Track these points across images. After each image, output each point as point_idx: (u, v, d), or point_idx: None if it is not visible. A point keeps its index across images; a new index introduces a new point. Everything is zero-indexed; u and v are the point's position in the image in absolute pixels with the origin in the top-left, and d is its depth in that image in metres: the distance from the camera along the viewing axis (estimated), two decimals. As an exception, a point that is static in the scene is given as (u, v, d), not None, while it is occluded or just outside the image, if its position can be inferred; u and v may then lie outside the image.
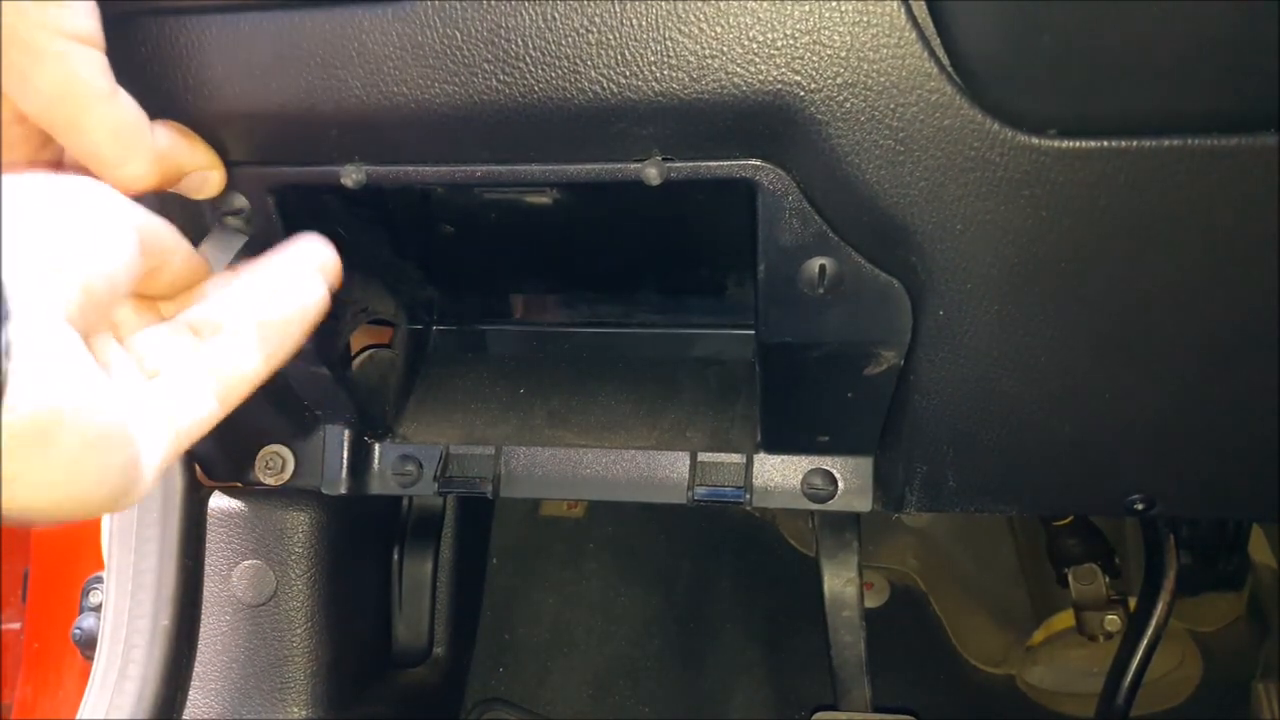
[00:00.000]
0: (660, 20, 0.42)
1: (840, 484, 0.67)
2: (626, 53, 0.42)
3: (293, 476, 0.73)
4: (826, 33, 0.41)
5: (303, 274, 0.43)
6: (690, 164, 0.47)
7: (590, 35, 0.42)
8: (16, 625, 1.23)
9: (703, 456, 0.68)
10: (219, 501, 0.79)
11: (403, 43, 0.43)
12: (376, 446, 0.73)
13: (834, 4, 0.41)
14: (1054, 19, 0.39)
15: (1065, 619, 1.20)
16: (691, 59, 0.42)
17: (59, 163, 0.44)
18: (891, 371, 0.56)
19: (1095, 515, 1.06)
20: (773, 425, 0.66)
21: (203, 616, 0.79)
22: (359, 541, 0.89)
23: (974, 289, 0.48)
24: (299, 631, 0.80)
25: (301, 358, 0.62)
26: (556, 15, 0.42)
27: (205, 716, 0.78)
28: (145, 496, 0.35)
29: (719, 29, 0.42)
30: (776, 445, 0.67)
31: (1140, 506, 0.59)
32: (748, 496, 0.67)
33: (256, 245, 0.48)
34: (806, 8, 0.41)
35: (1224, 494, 0.59)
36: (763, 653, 1.31)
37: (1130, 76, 0.40)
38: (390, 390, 0.73)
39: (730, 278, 0.73)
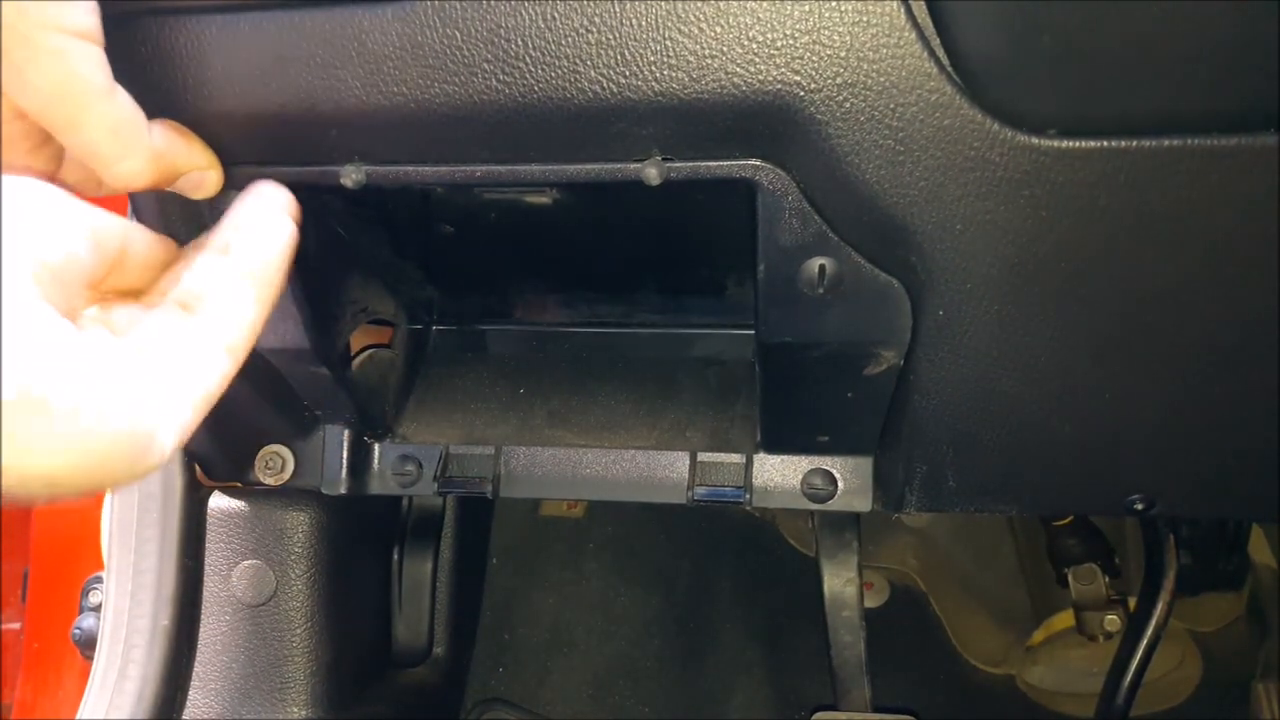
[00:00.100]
0: (660, 20, 0.42)
1: (840, 484, 0.67)
2: (626, 53, 0.42)
3: (293, 476, 0.73)
4: (826, 33, 0.41)
5: (269, 215, 0.44)
6: (690, 164, 0.47)
7: (590, 35, 0.42)
8: (16, 625, 1.23)
9: (702, 456, 0.68)
10: (219, 501, 0.79)
11: (402, 43, 0.43)
12: (376, 446, 0.73)
13: (834, 4, 0.41)
14: (1054, 19, 0.39)
15: (1065, 619, 1.20)
16: (691, 59, 0.42)
17: (59, 160, 0.44)
18: (891, 371, 0.56)
19: (1095, 515, 1.06)
20: (773, 425, 0.66)
21: (203, 616, 0.79)
22: (359, 541, 0.89)
23: (974, 289, 0.48)
24: (299, 631, 0.80)
25: (301, 358, 0.62)
26: (556, 15, 0.42)
27: (205, 716, 0.78)
28: (161, 464, 0.36)
29: (719, 29, 0.42)
30: (776, 445, 0.67)
31: (1140, 506, 0.59)
32: (748, 496, 0.67)
33: None
34: (806, 8, 0.41)
35: (1224, 494, 0.59)
36: (763, 653, 1.31)
37: (1130, 76, 0.40)
38: (390, 390, 0.73)
39: (730, 278, 0.73)
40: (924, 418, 0.56)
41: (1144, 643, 0.95)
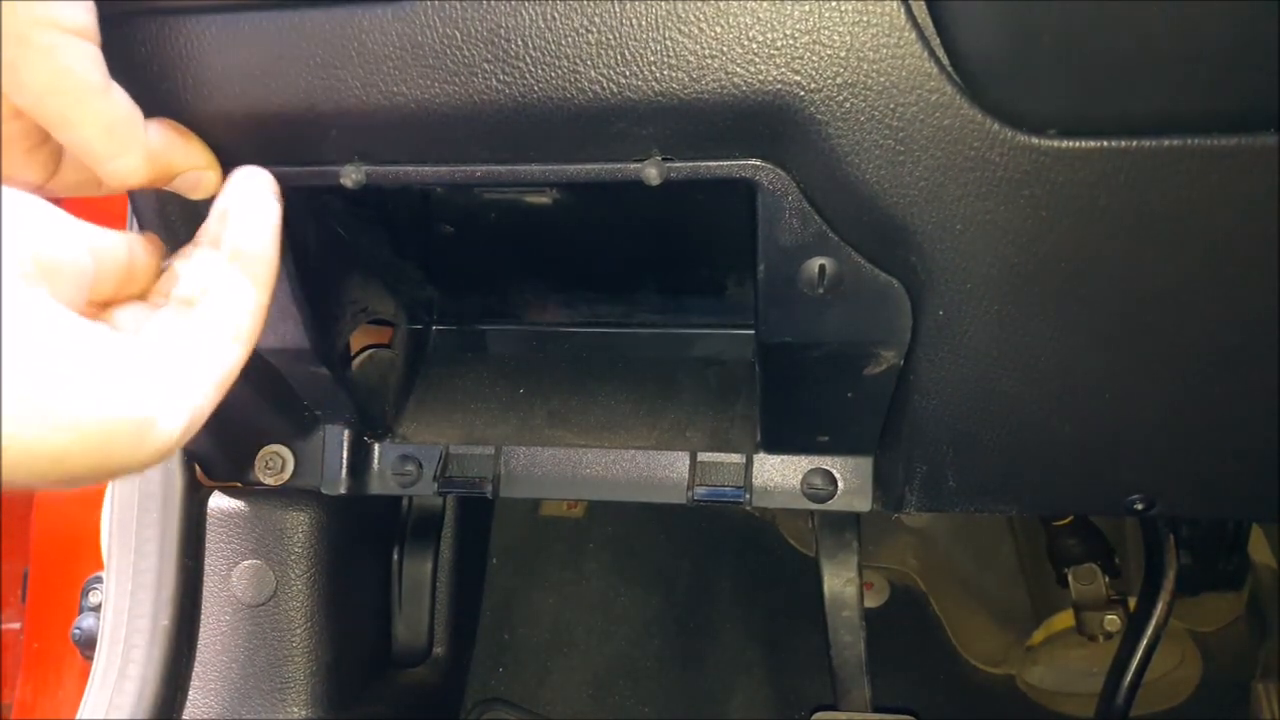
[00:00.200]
0: (660, 20, 0.42)
1: (840, 484, 0.67)
2: (626, 53, 0.42)
3: (292, 476, 0.73)
4: (826, 33, 0.41)
5: (252, 199, 0.44)
6: (690, 164, 0.47)
7: (590, 35, 0.42)
8: (16, 625, 1.23)
9: (702, 456, 0.68)
10: (219, 501, 0.79)
11: (402, 43, 0.43)
12: (376, 446, 0.73)
13: (834, 4, 0.41)
14: (1054, 19, 0.39)
15: (1065, 619, 1.20)
16: (691, 59, 0.42)
17: (58, 159, 0.44)
18: (891, 371, 0.56)
19: (1095, 515, 1.06)
20: (773, 425, 0.66)
21: (203, 616, 0.79)
22: (359, 541, 0.89)
23: (974, 289, 0.48)
24: (299, 631, 0.80)
25: (301, 358, 0.62)
26: (556, 15, 0.42)
27: (205, 716, 0.78)
28: (168, 449, 0.37)
29: (719, 29, 0.42)
30: (776, 445, 0.67)
31: (1140, 506, 0.59)
32: (747, 496, 0.67)
33: None
34: (806, 8, 0.41)
35: (1224, 494, 0.59)
36: (763, 653, 1.31)
37: (1130, 76, 0.40)
38: (390, 390, 0.73)
39: (730, 278, 0.74)
40: (924, 418, 0.56)
41: (1144, 643, 0.95)
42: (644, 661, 1.31)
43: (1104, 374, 0.52)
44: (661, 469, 0.69)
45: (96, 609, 0.87)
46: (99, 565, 0.81)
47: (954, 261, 0.47)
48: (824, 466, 0.67)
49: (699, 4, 0.41)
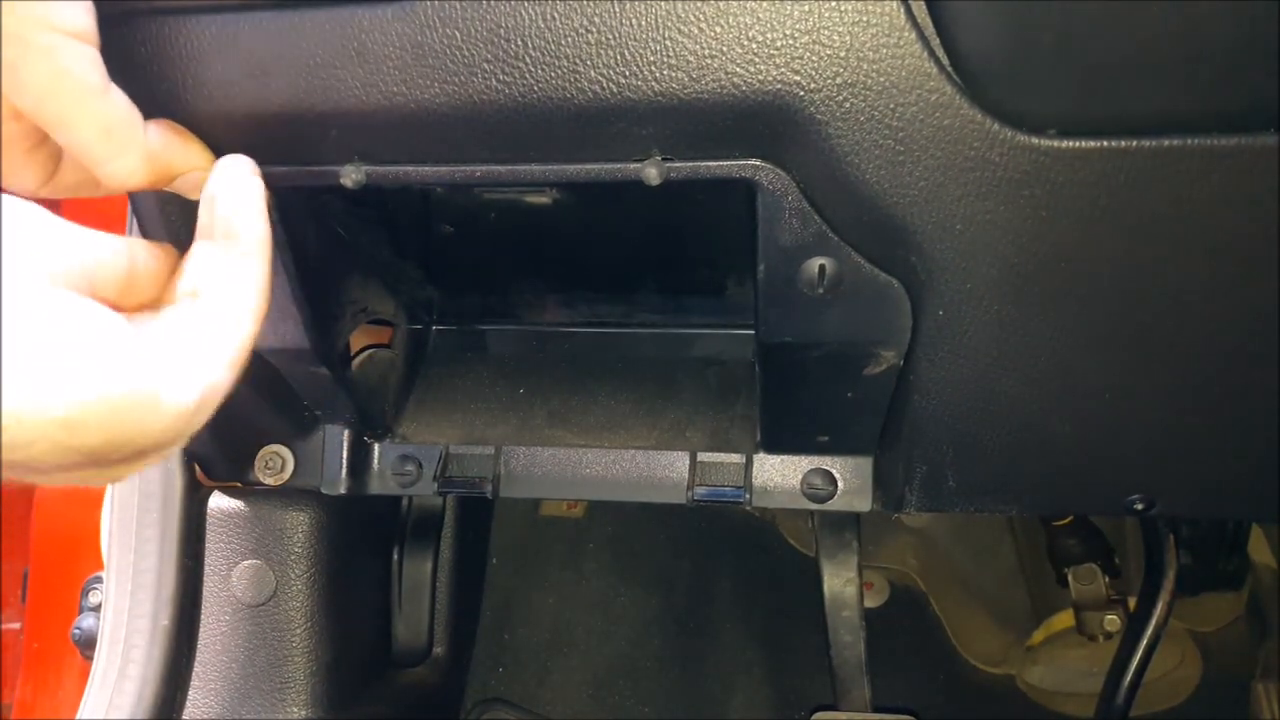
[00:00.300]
0: (660, 20, 0.42)
1: (840, 484, 0.67)
2: (626, 53, 0.42)
3: (292, 476, 0.73)
4: (826, 33, 0.41)
5: (235, 179, 0.44)
6: (690, 164, 0.47)
7: (590, 35, 0.42)
8: (16, 625, 1.23)
9: (702, 456, 0.68)
10: (219, 501, 0.79)
11: (402, 43, 0.43)
12: (376, 446, 0.73)
13: (834, 4, 0.41)
14: (1054, 19, 0.39)
15: (1065, 619, 1.20)
16: (691, 59, 0.42)
17: (57, 160, 0.44)
18: (891, 371, 0.56)
19: (1095, 515, 1.06)
20: (772, 425, 0.66)
21: (203, 616, 0.79)
22: (359, 541, 0.89)
23: (974, 289, 0.48)
24: (299, 631, 0.80)
25: (301, 358, 0.62)
26: (556, 15, 0.42)
27: (205, 716, 0.78)
28: (180, 421, 0.38)
29: (719, 29, 0.42)
30: (776, 445, 0.67)
31: (1140, 506, 0.59)
32: (747, 496, 0.67)
33: None
34: (806, 8, 0.41)
35: (1224, 494, 0.59)
36: (763, 653, 1.31)
37: (1130, 76, 0.40)
38: (390, 390, 0.73)
39: (730, 278, 0.74)
40: (924, 418, 0.56)
41: (1144, 643, 0.95)
42: (644, 661, 1.31)
43: (1104, 374, 0.52)
44: (661, 469, 0.69)
45: (96, 609, 0.87)
46: (99, 565, 0.81)
47: (954, 261, 0.47)
48: (824, 466, 0.67)
49: (699, 4, 0.41)
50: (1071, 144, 0.42)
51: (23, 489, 1.17)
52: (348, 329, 0.66)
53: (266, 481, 0.73)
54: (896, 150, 0.43)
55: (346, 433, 0.71)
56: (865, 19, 0.41)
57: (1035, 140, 0.42)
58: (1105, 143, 0.42)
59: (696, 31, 0.42)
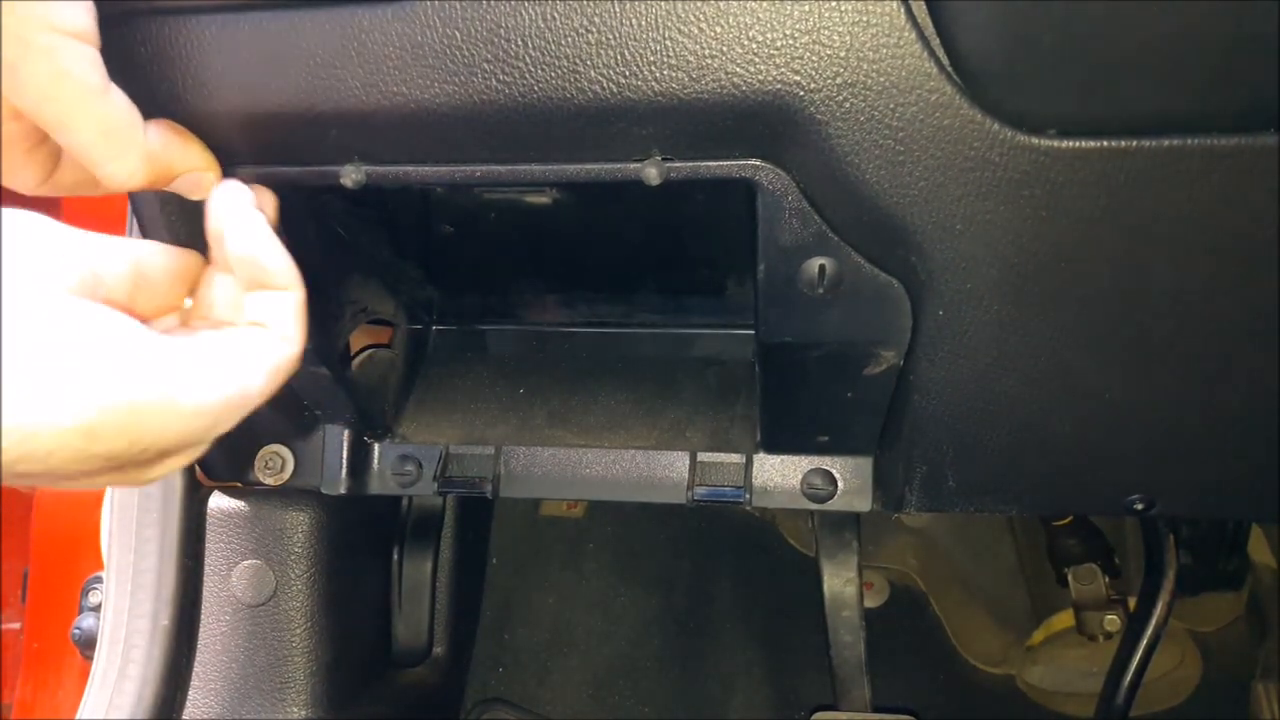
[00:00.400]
0: (660, 20, 0.42)
1: (840, 484, 0.67)
2: (626, 53, 0.42)
3: (292, 476, 0.73)
4: (826, 33, 0.41)
5: (238, 214, 0.45)
6: (690, 164, 0.47)
7: (590, 35, 0.42)
8: (16, 625, 1.22)
9: (702, 456, 0.68)
10: (219, 501, 0.79)
11: (402, 43, 0.43)
12: (376, 446, 0.73)
13: (834, 4, 0.41)
14: (1054, 19, 0.39)
15: (1065, 619, 1.20)
16: (691, 59, 0.42)
17: (56, 160, 0.44)
18: (891, 371, 0.56)
19: (1095, 515, 1.06)
20: (772, 425, 0.66)
21: (203, 616, 0.79)
22: (359, 541, 0.89)
23: (974, 289, 0.48)
24: (299, 631, 0.80)
25: (301, 358, 0.62)
26: (556, 15, 0.42)
27: (205, 716, 0.78)
28: (203, 422, 0.39)
29: (719, 29, 0.42)
30: (776, 445, 0.67)
31: (1140, 506, 0.59)
32: (747, 496, 0.67)
33: None
34: (806, 8, 0.41)
35: (1224, 494, 0.59)
36: (763, 653, 1.31)
37: (1130, 76, 0.40)
38: (390, 390, 0.73)
39: (730, 278, 0.73)
40: (924, 418, 0.56)
41: (1144, 643, 0.95)
42: (644, 661, 1.31)
43: (1104, 374, 0.52)
44: (661, 469, 0.69)
45: (96, 609, 0.87)
46: (99, 565, 0.81)
47: (954, 261, 0.47)
48: (824, 466, 0.67)
49: (699, 4, 0.41)
50: (1071, 144, 0.42)
51: (23, 488, 1.17)
52: (348, 329, 0.66)
53: (266, 481, 0.73)
54: (896, 150, 0.43)
55: (346, 433, 0.71)
56: (865, 19, 0.41)
57: (1035, 140, 0.42)
58: (1105, 143, 0.42)
59: (696, 31, 0.42)
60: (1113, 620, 1.03)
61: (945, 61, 0.41)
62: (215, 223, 0.45)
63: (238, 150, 0.48)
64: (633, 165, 0.47)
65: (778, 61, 0.42)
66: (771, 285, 0.51)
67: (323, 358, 0.62)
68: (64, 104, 0.39)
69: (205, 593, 0.79)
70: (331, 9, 0.44)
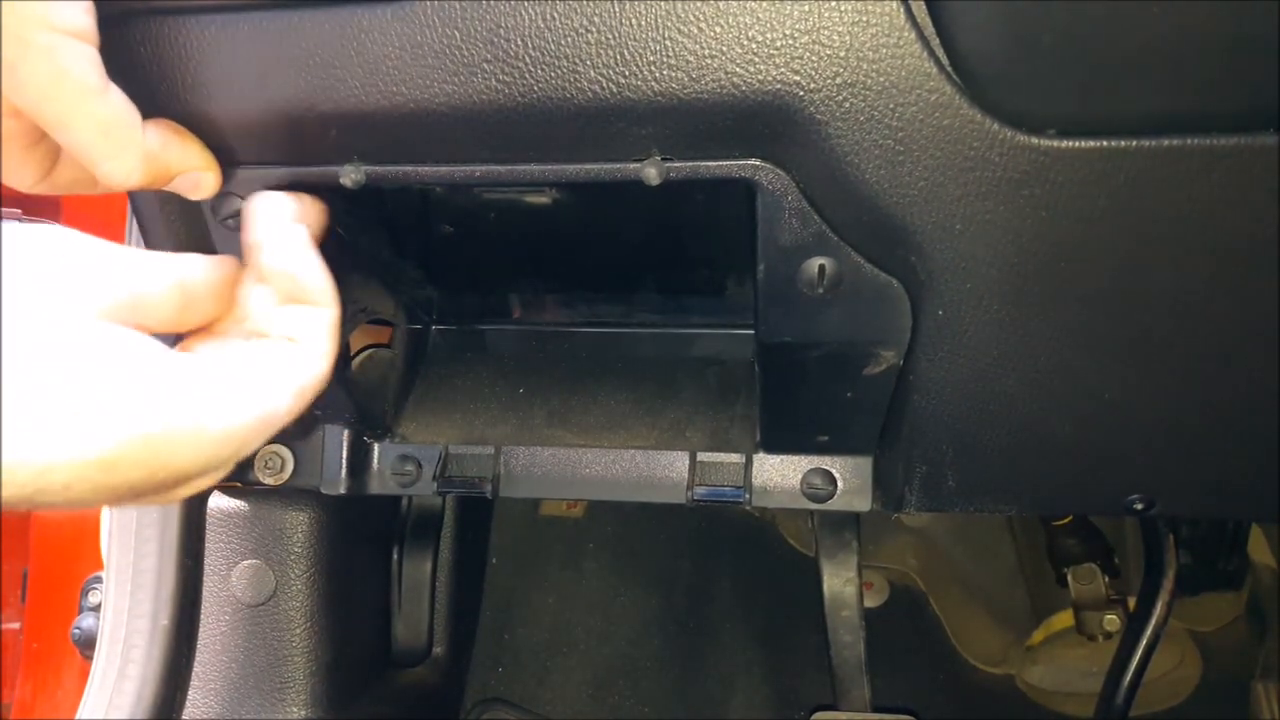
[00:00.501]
0: (660, 20, 0.42)
1: (840, 484, 0.67)
2: (626, 53, 0.42)
3: (292, 476, 0.73)
4: (826, 33, 0.41)
5: (277, 229, 0.45)
6: (689, 164, 0.47)
7: (590, 35, 0.42)
8: (16, 625, 1.23)
9: (702, 456, 0.68)
10: (218, 501, 0.79)
11: (402, 43, 0.43)
12: (376, 446, 0.72)
13: (834, 4, 0.41)
14: (1054, 19, 0.39)
15: (1065, 619, 1.20)
16: (691, 59, 0.42)
17: (55, 158, 0.44)
18: (891, 371, 0.56)
19: (1095, 515, 1.06)
20: (772, 425, 0.66)
21: (202, 616, 0.79)
22: (358, 541, 0.89)
23: (974, 289, 0.48)
24: (298, 631, 0.80)
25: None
26: (556, 15, 0.42)
27: (205, 716, 0.78)
28: (228, 445, 0.38)
29: (719, 29, 0.41)
30: (776, 445, 0.67)
31: (1140, 506, 0.59)
32: (747, 496, 0.67)
33: None
34: (806, 8, 0.41)
35: (1224, 494, 0.59)
36: (763, 653, 1.31)
37: (1130, 76, 0.40)
38: (390, 390, 0.73)
39: (730, 278, 0.73)
40: (924, 418, 0.56)
41: (1144, 643, 0.95)
42: (644, 661, 1.31)
43: (1104, 374, 0.52)
44: (661, 469, 0.69)
45: (96, 609, 0.87)
46: (99, 565, 0.81)
47: (954, 261, 0.47)
48: (824, 466, 0.67)
49: (699, 4, 0.41)
50: (1071, 144, 0.42)
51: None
52: (347, 329, 0.66)
53: (266, 481, 0.73)
54: (896, 150, 0.43)
55: (346, 432, 0.71)
56: (865, 19, 0.41)
57: (1035, 140, 0.42)
58: (1105, 143, 0.42)
59: (696, 31, 0.42)
60: (1112, 620, 1.03)
61: (945, 61, 0.41)
62: (254, 234, 0.45)
63: (237, 150, 0.48)
64: (632, 165, 0.47)
65: (777, 61, 0.42)
66: (771, 285, 0.51)
67: (322, 358, 0.62)
68: (63, 103, 0.39)
69: (205, 592, 0.79)
70: (331, 9, 0.44)
